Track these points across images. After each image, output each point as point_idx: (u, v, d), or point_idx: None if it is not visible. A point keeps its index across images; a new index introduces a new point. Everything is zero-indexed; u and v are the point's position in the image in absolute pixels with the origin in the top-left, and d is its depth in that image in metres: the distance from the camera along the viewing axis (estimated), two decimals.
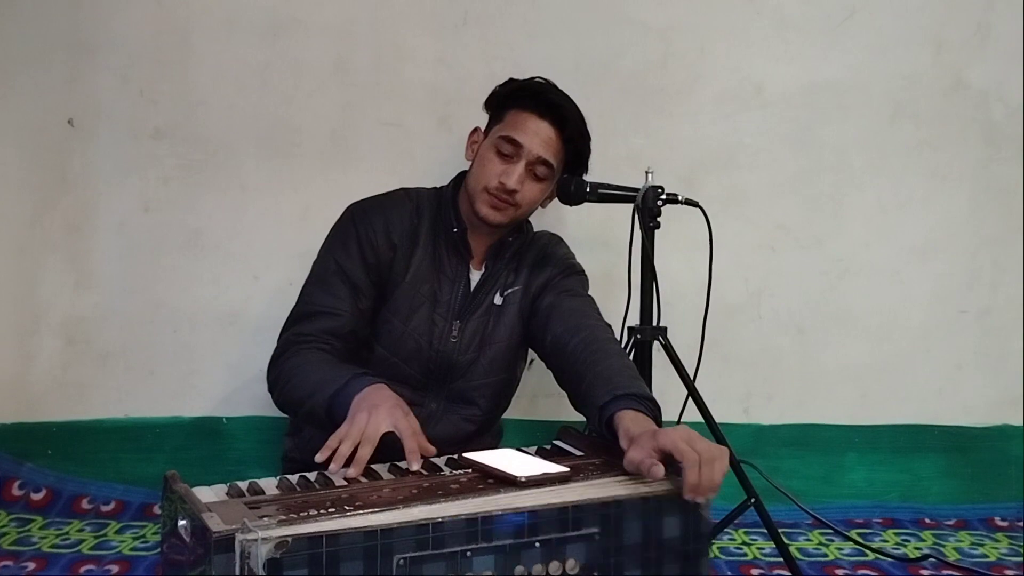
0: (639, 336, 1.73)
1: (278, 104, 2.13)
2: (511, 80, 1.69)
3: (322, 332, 1.55)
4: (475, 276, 1.68)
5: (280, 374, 1.52)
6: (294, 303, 1.63)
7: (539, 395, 2.14)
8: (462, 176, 1.72)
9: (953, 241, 2.27)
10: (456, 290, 1.66)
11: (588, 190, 1.70)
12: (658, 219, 1.72)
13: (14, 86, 2.07)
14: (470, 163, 1.69)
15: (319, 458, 1.25)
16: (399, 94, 2.15)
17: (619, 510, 1.13)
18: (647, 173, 1.73)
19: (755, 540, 1.96)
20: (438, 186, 1.75)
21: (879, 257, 2.25)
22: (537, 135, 1.60)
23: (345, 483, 1.20)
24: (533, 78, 1.69)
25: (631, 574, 1.14)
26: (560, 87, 1.67)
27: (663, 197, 1.71)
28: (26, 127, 2.08)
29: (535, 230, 1.80)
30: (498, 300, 1.69)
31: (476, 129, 1.71)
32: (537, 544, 1.08)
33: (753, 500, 1.67)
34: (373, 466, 1.26)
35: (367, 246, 1.61)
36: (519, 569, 1.08)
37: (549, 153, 1.61)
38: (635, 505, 1.15)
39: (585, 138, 1.67)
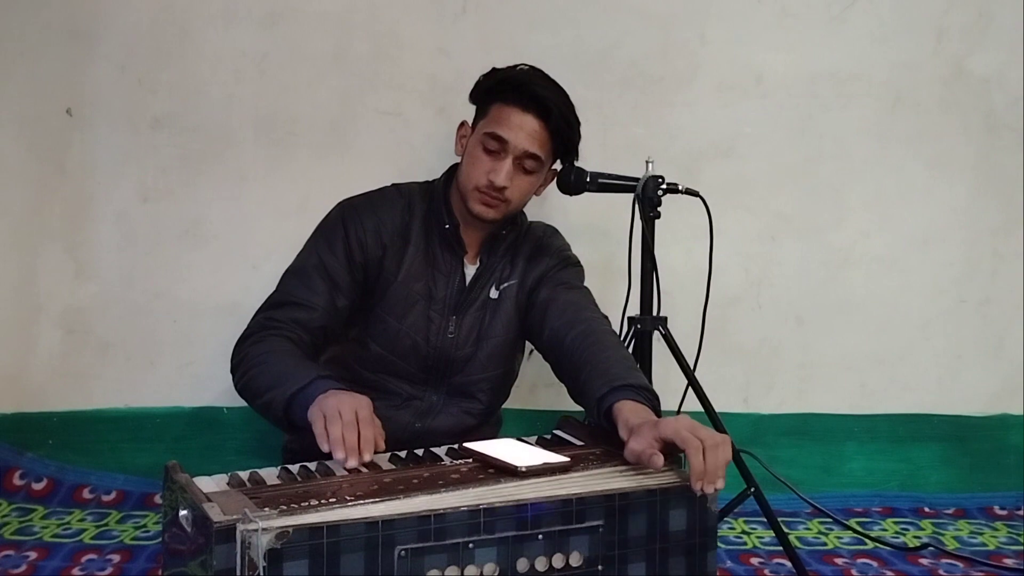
0: (639, 326, 1.73)
1: (277, 93, 2.12)
2: (494, 70, 1.64)
3: (292, 321, 1.53)
4: (470, 270, 1.67)
5: (244, 358, 1.49)
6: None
7: (539, 385, 2.14)
8: (453, 170, 1.69)
9: (953, 230, 2.27)
10: (451, 285, 1.65)
11: (588, 180, 1.70)
12: (658, 209, 1.72)
13: (12, 76, 2.06)
14: (460, 158, 1.67)
15: (326, 449, 1.22)
16: (398, 84, 2.14)
17: (624, 502, 1.12)
18: (647, 163, 1.73)
19: (755, 529, 1.97)
20: (429, 180, 1.73)
21: (879, 246, 2.25)
22: (522, 129, 1.56)
23: (347, 473, 1.20)
24: (516, 66, 1.64)
25: (636, 567, 1.13)
26: (559, 76, 1.63)
27: (663, 187, 1.71)
28: (24, 117, 2.07)
29: (534, 220, 1.79)
30: (494, 294, 1.68)
31: (464, 123, 1.68)
32: (540, 536, 1.08)
33: (752, 489, 1.67)
34: (374, 458, 1.27)
35: (355, 245, 1.59)
36: (522, 562, 1.07)
37: (535, 146, 1.57)
38: (640, 497, 1.13)
39: (572, 126, 1.62)
